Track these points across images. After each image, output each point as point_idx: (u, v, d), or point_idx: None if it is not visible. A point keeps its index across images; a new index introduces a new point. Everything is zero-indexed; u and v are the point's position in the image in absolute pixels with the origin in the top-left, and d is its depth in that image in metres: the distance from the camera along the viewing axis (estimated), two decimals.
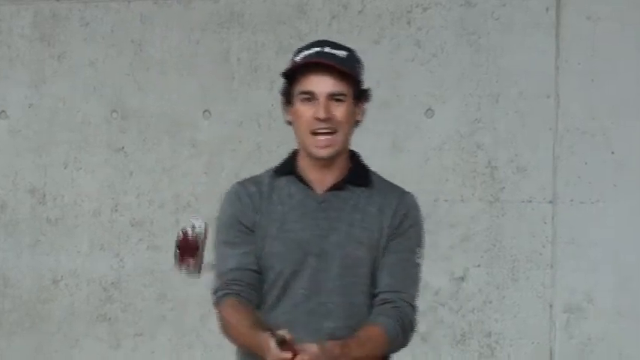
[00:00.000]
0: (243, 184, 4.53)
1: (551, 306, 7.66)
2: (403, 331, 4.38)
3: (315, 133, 4.32)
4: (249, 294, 4.37)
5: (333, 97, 4.30)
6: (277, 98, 8.04)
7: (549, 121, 7.69)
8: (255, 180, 4.53)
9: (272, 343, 4.02)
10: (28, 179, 8.59)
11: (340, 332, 4.31)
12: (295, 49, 7.49)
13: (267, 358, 4.08)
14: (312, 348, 4.02)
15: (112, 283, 8.41)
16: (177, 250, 4.33)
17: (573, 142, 7.66)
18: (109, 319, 8.41)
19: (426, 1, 7.89)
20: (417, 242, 4.47)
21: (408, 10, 7.88)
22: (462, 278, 7.65)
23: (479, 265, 7.70)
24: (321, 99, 4.28)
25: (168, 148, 8.37)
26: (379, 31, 7.92)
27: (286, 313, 4.40)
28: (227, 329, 4.40)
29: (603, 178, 7.59)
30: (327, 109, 4.28)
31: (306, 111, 4.32)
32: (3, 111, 8.64)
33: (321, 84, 4.31)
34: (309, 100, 4.32)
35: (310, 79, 4.33)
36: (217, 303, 4.43)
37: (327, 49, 4.37)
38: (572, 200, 7.65)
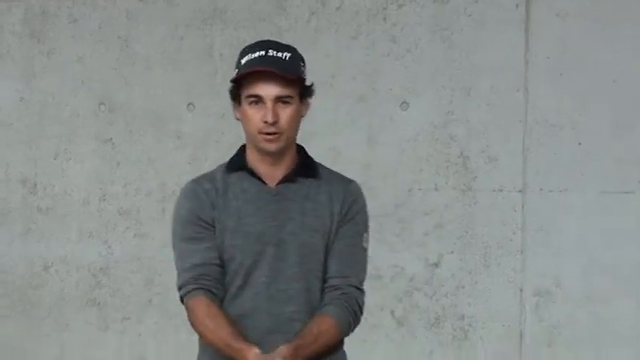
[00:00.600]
0: (197, 181, 4.61)
1: (521, 290, 7.62)
2: (353, 317, 4.52)
3: (263, 133, 4.41)
4: (217, 288, 4.44)
5: (280, 99, 4.37)
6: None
7: (519, 114, 7.63)
8: (208, 177, 4.60)
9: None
10: (19, 170, 8.57)
11: (299, 315, 4.45)
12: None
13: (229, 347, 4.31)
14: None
15: (101, 269, 8.38)
16: None
17: (542, 133, 7.61)
18: (98, 303, 8.38)
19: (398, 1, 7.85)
20: (364, 227, 4.59)
21: (384, 7, 7.82)
22: (436, 264, 7.58)
23: (452, 252, 7.65)
24: (268, 103, 4.39)
25: (153, 140, 8.33)
26: (356, 28, 7.83)
27: (249, 300, 4.46)
28: (202, 328, 4.43)
29: (571, 168, 7.56)
30: (275, 113, 4.37)
31: (254, 114, 4.39)
32: (21, 100, 8.61)
33: (268, 89, 4.38)
34: (256, 102, 4.39)
35: (257, 83, 4.38)
36: (186, 297, 4.47)
37: (270, 52, 4.41)
38: (541, 189, 7.61)
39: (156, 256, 8.26)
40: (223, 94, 8.02)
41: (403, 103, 7.67)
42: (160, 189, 8.29)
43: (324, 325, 4.39)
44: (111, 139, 8.39)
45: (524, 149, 7.62)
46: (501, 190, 7.67)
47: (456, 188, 7.67)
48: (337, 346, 4.54)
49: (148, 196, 8.33)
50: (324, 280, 4.54)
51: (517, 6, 7.61)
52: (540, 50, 7.64)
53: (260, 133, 4.38)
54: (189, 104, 8.26)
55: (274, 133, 4.37)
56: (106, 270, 8.37)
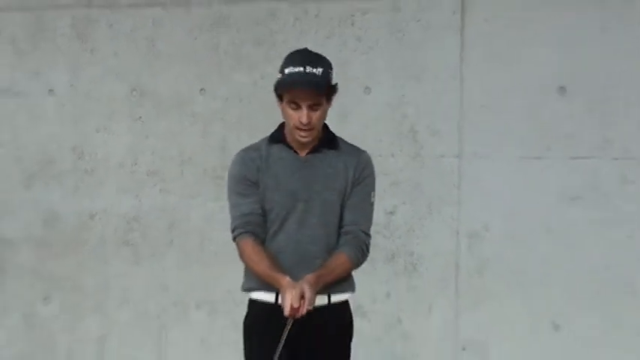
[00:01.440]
0: (246, 150, 4.75)
1: (457, 233, 7.69)
2: (362, 255, 4.68)
3: (298, 129, 4.53)
4: (260, 232, 4.62)
5: (312, 106, 4.44)
6: (255, 81, 8.23)
7: (456, 98, 7.67)
8: (255, 147, 4.73)
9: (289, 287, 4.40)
10: (70, 141, 8.53)
11: (319, 254, 4.61)
12: (267, 44, 7.64)
13: (280, 292, 4.45)
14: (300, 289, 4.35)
15: (133, 217, 8.41)
16: None
17: (473, 113, 7.65)
18: (131, 244, 8.41)
19: (365, 7, 7.85)
20: (372, 188, 4.72)
21: (352, 15, 7.86)
22: (392, 213, 7.68)
23: (404, 203, 7.73)
24: (304, 109, 4.51)
25: (173, 118, 8.33)
26: (330, 30, 7.89)
27: (283, 241, 4.64)
28: (249, 261, 4.63)
29: (495, 139, 7.59)
30: (308, 116, 4.49)
31: (293, 114, 4.51)
32: (51, 90, 8.55)
33: (304, 99, 4.46)
34: (295, 106, 4.49)
35: (297, 94, 4.47)
36: (237, 238, 4.66)
37: (308, 69, 4.48)
38: (473, 155, 7.66)
39: (176, 207, 8.29)
40: (227, 82, 8.17)
41: (366, 88, 7.77)
42: (179, 155, 8.27)
43: (339, 260, 4.59)
44: (140, 117, 8.39)
45: (459, 125, 7.66)
46: (442, 157, 7.71)
47: (408, 155, 7.74)
48: (348, 275, 4.73)
49: (170, 161, 8.31)
50: (340, 227, 4.68)
51: (454, 13, 7.63)
52: (472, 48, 7.67)
53: (296, 128, 4.54)
54: (201, 90, 8.23)
55: (307, 130, 4.54)
56: (137, 218, 8.40)
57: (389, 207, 7.70)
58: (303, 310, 4.38)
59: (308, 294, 4.37)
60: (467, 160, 7.71)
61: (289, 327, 4.42)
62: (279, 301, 4.50)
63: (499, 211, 7.65)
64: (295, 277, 4.50)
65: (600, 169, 7.43)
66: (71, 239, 8.56)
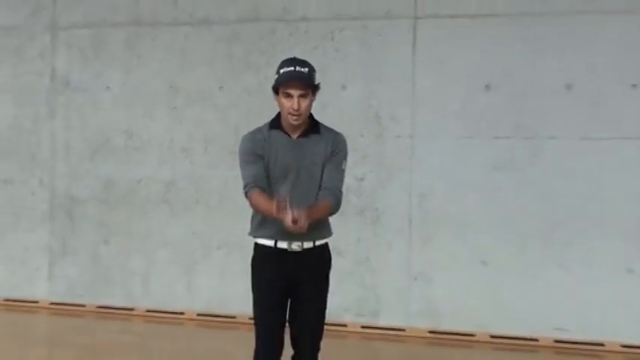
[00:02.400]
0: (253, 132, 4.66)
1: (410, 194, 7.76)
2: (337, 204, 4.58)
3: (291, 114, 4.46)
4: (264, 187, 4.53)
5: (301, 95, 4.45)
6: (260, 81, 8.14)
7: (409, 93, 7.74)
8: (258, 130, 4.64)
9: (275, 203, 4.25)
10: (123, 125, 8.57)
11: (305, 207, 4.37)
12: (269, 53, 7.61)
13: (273, 211, 4.27)
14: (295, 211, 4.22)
15: (170, 182, 8.44)
16: None
17: (423, 105, 7.72)
18: (168, 202, 8.45)
19: (341, 26, 7.90)
20: (343, 158, 4.62)
21: (332, 31, 7.94)
22: (362, 179, 7.78)
23: (371, 172, 7.81)
24: (295, 97, 4.44)
25: (200, 108, 8.35)
26: (316, 43, 7.95)
27: None
28: (257, 206, 4.54)
29: (439, 124, 7.66)
30: (298, 104, 4.44)
31: (286, 102, 4.46)
32: (109, 87, 8.59)
33: (295, 90, 4.42)
34: (288, 96, 4.45)
35: (289, 87, 4.43)
36: (248, 192, 4.57)
37: (297, 69, 4.46)
38: (422, 135, 7.71)
39: (201, 175, 8.31)
40: (239, 81, 8.18)
41: (343, 86, 7.85)
42: (204, 136, 8.29)
43: (322, 203, 4.50)
44: (175, 107, 8.40)
45: (412, 113, 7.73)
46: (399, 137, 7.78)
47: (373, 135, 7.82)
48: (326, 219, 4.64)
49: (197, 141, 8.32)
50: (320, 187, 4.57)
51: (408, 31, 7.71)
52: (421, 56, 7.72)
53: (289, 113, 4.48)
54: (220, 87, 8.26)
55: (297, 115, 4.48)
56: (173, 183, 8.41)
57: (359, 174, 7.75)
58: (302, 223, 4.29)
59: (304, 214, 4.31)
60: (417, 139, 7.77)
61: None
62: (278, 245, 4.59)
63: (441, 177, 7.71)
64: (289, 234, 4.48)
65: (515, 146, 7.52)
66: (123, 198, 8.61)
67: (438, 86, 7.74)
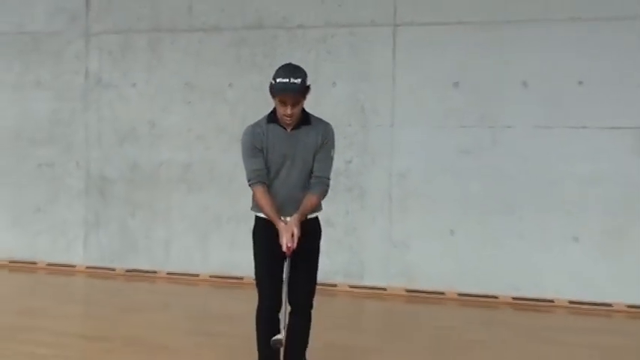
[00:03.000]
0: (253, 126, 4.58)
1: (390, 173, 7.77)
2: (324, 192, 4.55)
3: (285, 117, 4.42)
4: (265, 181, 4.50)
5: (293, 104, 4.37)
6: (263, 79, 8.03)
7: (389, 89, 7.75)
8: (258, 124, 4.57)
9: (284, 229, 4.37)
10: (146, 116, 8.55)
11: (299, 195, 4.49)
12: (271, 56, 7.54)
13: (279, 232, 4.39)
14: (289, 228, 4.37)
15: (187, 164, 8.43)
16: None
17: (401, 98, 7.71)
18: (186, 181, 8.44)
19: (332, 32, 7.88)
20: (332, 147, 4.54)
21: (324, 37, 7.92)
22: (350, 162, 7.77)
23: (357, 156, 7.80)
24: (288, 105, 4.37)
25: (212, 102, 8.32)
26: (311, 46, 7.94)
27: (277, 186, 4.53)
28: (259, 202, 4.52)
29: (411, 115, 7.66)
30: (291, 110, 4.38)
31: (281, 107, 4.39)
32: (134, 84, 8.56)
33: (288, 100, 4.35)
34: (282, 103, 4.37)
35: (283, 97, 4.35)
36: (252, 186, 4.54)
37: (291, 80, 4.36)
38: (401, 125, 7.71)
39: (214, 159, 8.30)
40: (246, 80, 8.13)
41: (333, 83, 7.84)
42: (215, 126, 8.28)
43: (311, 200, 4.47)
44: (190, 102, 8.38)
45: (392, 106, 7.74)
46: (380, 126, 7.79)
47: (359, 125, 7.80)
48: (318, 207, 4.60)
49: (210, 130, 8.30)
50: (311, 175, 4.51)
51: (389, 37, 7.69)
52: (400, 58, 7.70)
53: (283, 116, 4.41)
54: (229, 84, 8.24)
55: (290, 119, 4.41)
56: (189, 165, 8.40)
57: (347, 158, 7.76)
58: (294, 245, 4.35)
59: (296, 232, 4.39)
60: (397, 128, 7.78)
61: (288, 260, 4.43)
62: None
63: (416, 161, 7.72)
64: (285, 207, 4.51)
65: (480, 133, 7.54)
66: (147, 178, 8.60)
67: (414, 83, 7.73)
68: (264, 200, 4.52)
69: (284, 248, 4.35)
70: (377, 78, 7.84)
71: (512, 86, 7.47)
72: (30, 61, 9.00)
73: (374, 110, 7.85)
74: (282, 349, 4.53)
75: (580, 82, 7.29)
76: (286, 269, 4.46)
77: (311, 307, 4.67)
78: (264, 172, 4.56)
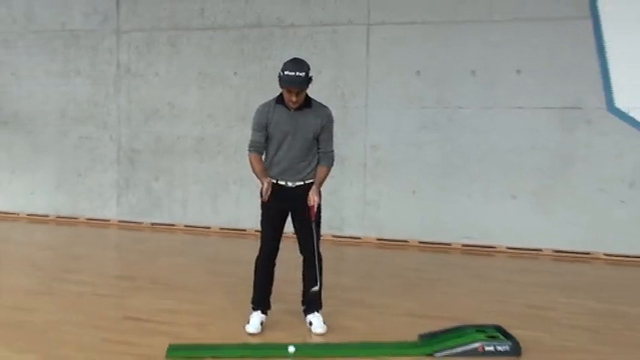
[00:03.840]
0: (264, 105, 4.56)
1: (365, 146, 7.74)
2: (332, 162, 4.61)
3: (290, 102, 4.39)
4: (260, 150, 4.51)
5: (298, 93, 4.37)
6: (262, 69, 8.07)
7: (364, 77, 7.68)
8: (268, 104, 4.54)
9: (267, 183, 4.37)
10: (167, 99, 8.46)
11: (299, 163, 4.50)
12: (269, 50, 7.48)
13: (264, 184, 4.38)
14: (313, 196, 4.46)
15: (200, 139, 8.37)
16: None
17: (373, 87, 7.66)
18: (199, 152, 8.38)
19: (317, 30, 7.81)
20: (332, 126, 4.57)
21: (311, 34, 7.85)
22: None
23: (338, 131, 7.32)
24: (293, 93, 4.36)
25: (220, 88, 8.25)
26: (300, 42, 7.86)
27: (280, 156, 4.51)
28: (251, 163, 4.52)
29: (385, 98, 7.61)
30: (296, 98, 4.38)
31: (287, 95, 4.39)
32: (157, 73, 8.50)
33: (293, 89, 4.34)
34: (288, 91, 4.36)
35: (290, 87, 4.34)
36: (249, 152, 4.53)
37: (297, 74, 4.33)
38: (374, 106, 7.67)
39: (222, 134, 8.23)
40: (248, 69, 8.05)
41: (319, 71, 7.56)
42: (223, 107, 8.20)
43: (323, 171, 4.55)
44: (203, 87, 8.29)
45: (366, 91, 7.67)
46: (357, 107, 7.73)
47: (339, 106, 7.64)
48: (313, 166, 4.56)
49: (219, 109, 8.23)
50: (318, 149, 4.52)
51: (363, 34, 7.63)
52: (373, 50, 7.64)
53: (289, 101, 4.38)
54: (234, 73, 8.16)
55: (295, 105, 4.39)
56: (202, 138, 8.34)
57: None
58: (314, 209, 4.44)
59: (316, 198, 4.45)
60: (370, 109, 7.74)
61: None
62: (279, 182, 4.50)
63: (386, 135, 7.70)
64: (286, 173, 4.50)
65: (437, 113, 7.51)
66: (168, 149, 8.54)
67: (384, 72, 7.69)
68: (255, 163, 4.54)
69: (265, 197, 4.36)
70: (354, 68, 7.78)
71: (463, 74, 7.44)
72: (71, 54, 8.92)
73: (351, 94, 7.81)
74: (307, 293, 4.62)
75: (518, 71, 7.27)
76: (315, 229, 4.50)
77: (319, 253, 4.60)
78: (261, 145, 4.54)
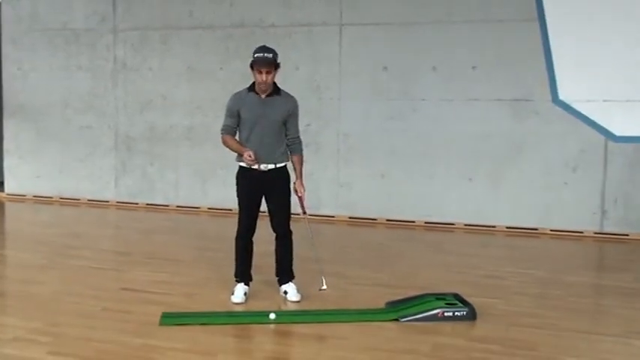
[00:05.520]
0: (236, 94, 4.55)
1: (337, 134, 7.71)
2: (302, 148, 4.59)
3: (260, 84, 4.38)
4: (231, 133, 4.52)
5: (267, 72, 4.35)
6: (245, 65, 7.84)
7: (337, 72, 7.64)
8: (240, 92, 4.54)
9: (248, 150, 4.31)
10: (160, 91, 8.27)
11: (268, 144, 4.44)
12: (251, 48, 7.48)
13: (244, 154, 4.36)
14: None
15: (190, 127, 8.29)
16: None
17: (346, 79, 7.62)
18: (189, 139, 8.31)
19: (295, 30, 7.76)
20: (298, 113, 4.55)
21: (289, 34, 7.79)
22: (308, 125, 7.52)
23: (314, 121, 7.65)
24: (263, 73, 4.35)
25: (209, 81, 8.16)
26: (279, 40, 7.69)
27: (252, 139, 4.47)
28: (226, 142, 4.52)
29: (355, 91, 7.57)
30: (266, 77, 4.36)
31: (258, 76, 4.38)
32: (150, 68, 8.39)
33: (263, 68, 4.32)
34: (259, 72, 4.34)
35: (260, 66, 4.32)
36: (222, 134, 4.54)
37: (265, 55, 4.35)
38: (346, 98, 7.62)
39: (209, 122, 8.08)
40: (233, 65, 7.98)
41: (296, 67, 7.70)
42: (210, 98, 8.10)
43: (299, 158, 4.55)
44: (192, 80, 8.20)
45: (339, 84, 7.63)
46: (332, 99, 7.69)
47: (315, 98, 7.68)
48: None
49: (206, 101, 8.13)
50: (287, 136, 4.50)
51: (336, 33, 7.59)
52: (345, 49, 7.60)
53: (259, 83, 4.38)
54: (220, 68, 8.09)
55: (265, 84, 4.38)
56: (191, 127, 8.25)
57: (307, 122, 7.46)
58: (304, 195, 4.52)
59: (302, 188, 4.53)
60: (343, 101, 7.70)
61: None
62: (253, 166, 4.44)
63: (357, 124, 7.65)
64: (259, 153, 4.41)
65: (403, 104, 7.49)
66: (162, 137, 8.47)
67: (354, 68, 7.65)
68: (229, 140, 4.54)
69: (249, 160, 4.35)
70: (327, 63, 7.74)
71: (425, 70, 7.42)
72: (72, 51, 8.81)
73: (326, 87, 7.77)
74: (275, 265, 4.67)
75: (474, 67, 7.28)
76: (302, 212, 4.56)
77: (290, 231, 4.65)
78: (232, 129, 4.53)
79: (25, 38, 9.00)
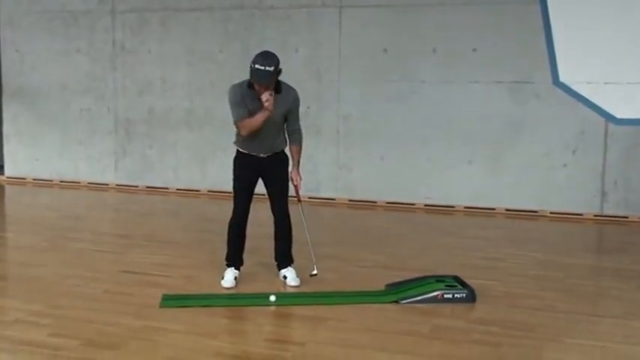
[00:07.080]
0: (237, 86, 4.42)
1: (337, 116, 7.69)
2: (302, 138, 4.55)
3: (258, 92, 4.24)
4: (246, 117, 4.29)
5: (267, 87, 4.21)
6: (244, 47, 7.93)
7: (337, 55, 7.61)
8: (240, 85, 4.39)
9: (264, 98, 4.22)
10: (158, 74, 8.25)
11: (271, 139, 4.43)
12: (250, 29, 7.39)
13: (263, 100, 4.22)
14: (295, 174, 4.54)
15: (189, 111, 8.26)
16: None
17: (345, 61, 7.59)
18: (188, 123, 8.28)
19: (295, 12, 7.71)
20: (299, 106, 4.49)
21: (289, 16, 7.72)
22: (309, 108, 7.43)
23: (314, 103, 7.61)
24: (262, 87, 4.21)
25: (209, 64, 8.12)
26: (279, 22, 7.74)
27: (252, 137, 4.40)
28: (249, 122, 4.31)
29: (355, 75, 7.54)
30: (265, 90, 4.21)
31: (257, 86, 4.21)
32: (149, 50, 8.33)
33: (263, 83, 4.19)
34: (258, 85, 4.21)
35: (259, 81, 4.20)
36: (240, 123, 4.33)
37: (266, 68, 4.16)
38: (346, 81, 7.60)
39: (208, 106, 8.10)
40: (232, 47, 7.93)
41: (296, 49, 7.66)
42: (209, 81, 8.08)
43: (296, 149, 4.50)
44: (191, 63, 8.16)
45: (338, 68, 7.61)
46: (331, 81, 7.65)
47: (316, 82, 7.64)
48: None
49: (205, 83, 8.10)
50: (288, 127, 4.47)
51: (336, 15, 7.55)
52: (345, 31, 7.56)
53: (257, 91, 4.23)
54: (219, 50, 8.03)
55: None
56: (191, 110, 8.22)
57: (307, 105, 7.32)
58: (299, 184, 4.53)
59: (299, 177, 4.53)
60: (342, 83, 7.67)
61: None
62: (251, 153, 4.43)
63: (356, 106, 7.65)
64: (261, 147, 4.42)
65: (403, 87, 7.47)
66: (160, 120, 8.43)
67: (354, 50, 7.62)
68: (248, 120, 4.33)
69: (264, 100, 4.23)
70: (327, 46, 7.70)
71: (425, 52, 7.39)
72: (71, 33, 8.73)
73: (325, 70, 7.73)
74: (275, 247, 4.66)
75: (474, 49, 7.25)
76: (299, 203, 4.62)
77: (288, 214, 4.62)
78: (246, 115, 4.34)
79: (23, 20, 8.93)
